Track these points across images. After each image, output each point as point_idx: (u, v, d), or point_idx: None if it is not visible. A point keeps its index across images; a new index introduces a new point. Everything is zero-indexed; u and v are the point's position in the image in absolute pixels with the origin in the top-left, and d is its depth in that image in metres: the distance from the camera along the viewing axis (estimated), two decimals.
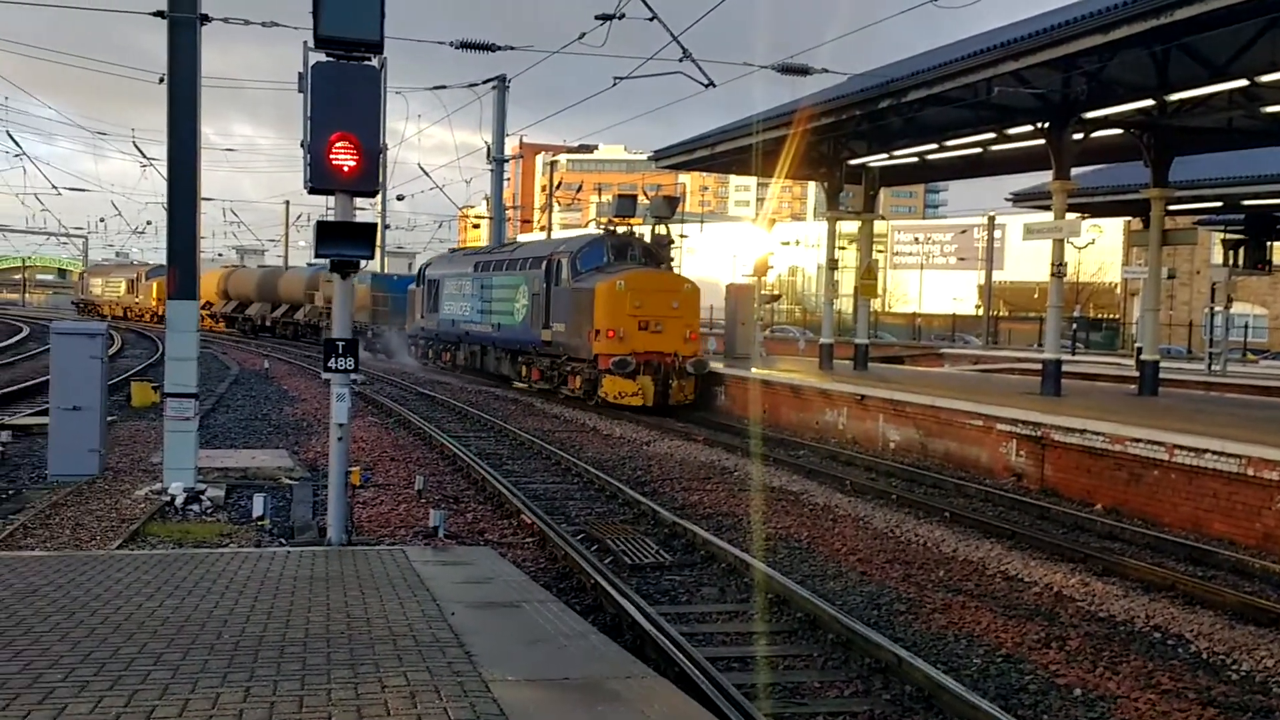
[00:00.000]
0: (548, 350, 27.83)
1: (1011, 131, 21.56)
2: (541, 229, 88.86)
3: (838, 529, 12.83)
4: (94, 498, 12.33)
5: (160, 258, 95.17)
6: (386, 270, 53.07)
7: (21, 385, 24.73)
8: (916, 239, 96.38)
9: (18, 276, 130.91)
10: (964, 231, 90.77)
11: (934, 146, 23.85)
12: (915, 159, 25.57)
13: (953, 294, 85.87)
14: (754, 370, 25.54)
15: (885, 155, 25.32)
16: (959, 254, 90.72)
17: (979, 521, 13.34)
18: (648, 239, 33.58)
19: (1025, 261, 72.50)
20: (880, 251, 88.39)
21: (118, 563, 8.37)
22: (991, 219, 61.85)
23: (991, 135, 22.16)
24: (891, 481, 16.38)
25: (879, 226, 52.84)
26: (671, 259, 33.50)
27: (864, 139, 25.12)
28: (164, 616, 6.63)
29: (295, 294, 57.02)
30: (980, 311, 63.55)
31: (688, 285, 26.78)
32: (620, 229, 29.60)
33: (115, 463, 14.62)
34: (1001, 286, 70.99)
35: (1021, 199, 32.95)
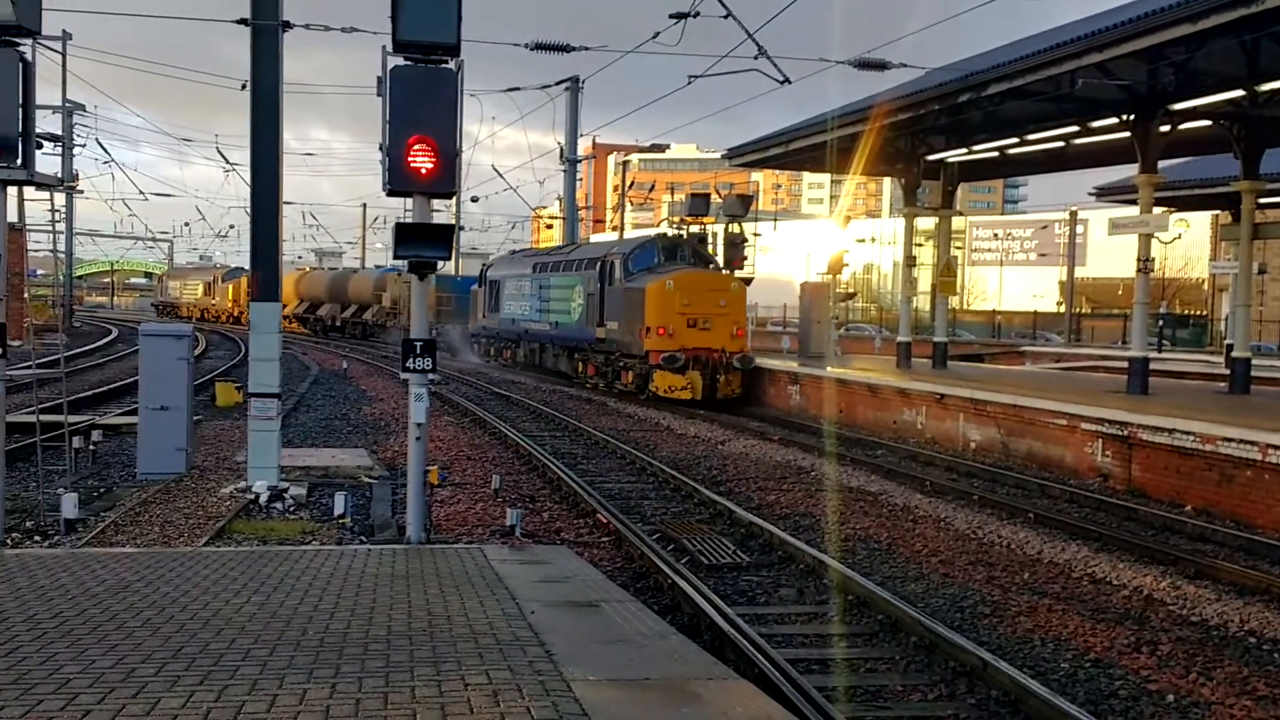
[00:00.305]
0: (602, 347, 29.24)
1: (1095, 124, 21.07)
2: (614, 229, 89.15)
3: (918, 530, 12.63)
4: (181, 496, 12.62)
5: (242, 260, 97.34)
6: (461, 272, 54.25)
7: (111, 386, 25.45)
8: (995, 235, 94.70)
9: (107, 280, 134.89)
10: (1044, 227, 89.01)
11: (1014, 140, 23.41)
12: (995, 153, 25.12)
13: (1033, 290, 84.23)
14: (829, 369, 25.31)
15: (964, 150, 24.92)
16: (1039, 250, 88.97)
17: (1064, 523, 13.05)
18: (720, 238, 33.62)
19: (1108, 257, 70.87)
20: (958, 248, 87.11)
21: (205, 559, 8.54)
22: (1073, 214, 60.52)
23: (1074, 128, 21.69)
24: (973, 482, 16.10)
25: (957, 222, 52.09)
26: (745, 257, 33.43)
27: (942, 134, 24.74)
28: (251, 613, 6.74)
29: (364, 295, 59.44)
30: (1062, 308, 62.25)
31: (734, 284, 27.82)
32: (673, 231, 30.83)
33: (201, 461, 14.95)
34: (1084, 283, 69.45)
35: (1105, 193, 32.21)
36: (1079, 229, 61.94)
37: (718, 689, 5.51)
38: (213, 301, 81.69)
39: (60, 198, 11.64)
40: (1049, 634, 8.78)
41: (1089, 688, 7.63)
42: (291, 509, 12.31)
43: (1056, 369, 31.88)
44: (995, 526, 12.81)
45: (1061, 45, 17.37)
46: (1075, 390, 20.30)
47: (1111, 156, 24.68)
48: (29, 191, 9.70)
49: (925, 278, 37.18)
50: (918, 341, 28.93)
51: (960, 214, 31.90)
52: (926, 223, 35.14)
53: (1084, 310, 65.63)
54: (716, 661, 6.25)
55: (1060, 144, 23.40)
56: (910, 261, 27.53)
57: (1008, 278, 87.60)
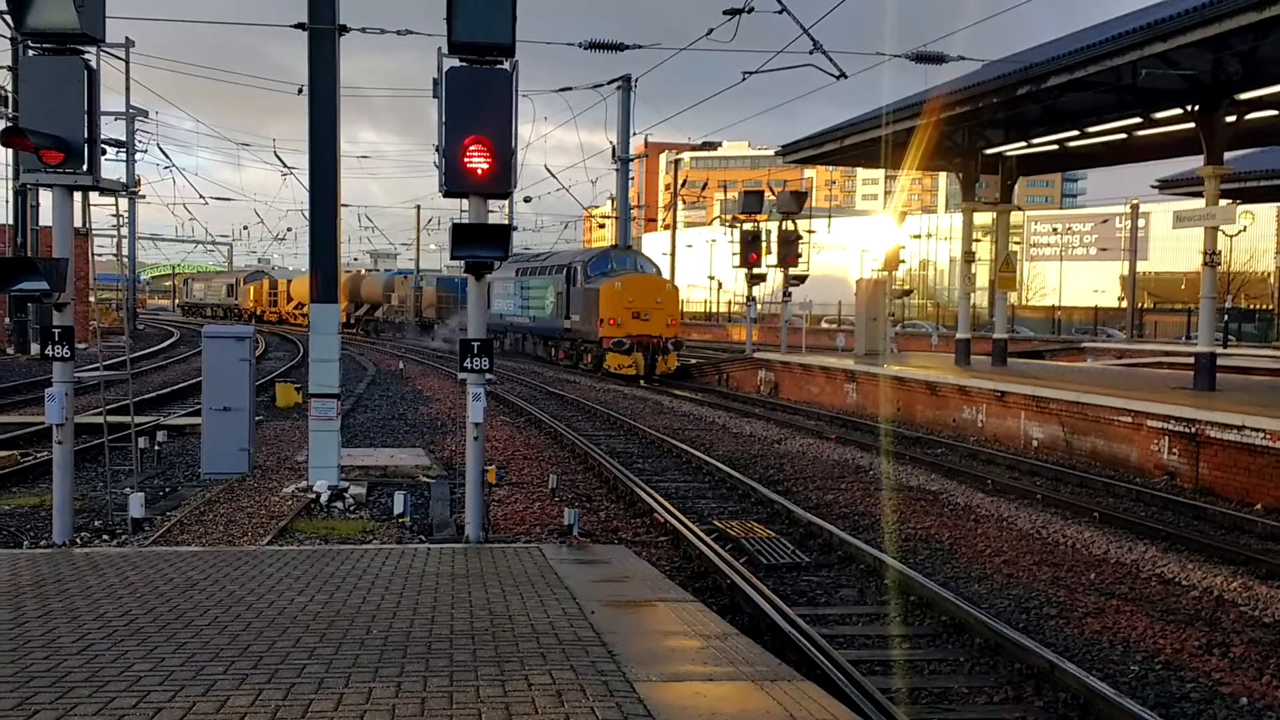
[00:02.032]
0: (568, 335, 37.03)
1: (1158, 116, 20.66)
2: (665, 228, 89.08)
3: (980, 530, 12.46)
4: (244, 495, 12.79)
5: (299, 263, 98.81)
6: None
7: (174, 387, 25.90)
8: (1055, 229, 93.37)
9: (168, 284, 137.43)
10: (1105, 221, 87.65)
11: (1074, 133, 23.00)
12: (1054, 146, 24.71)
13: (1093, 286, 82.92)
14: (886, 367, 25.08)
15: (1023, 143, 24.53)
16: (1100, 244, 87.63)
17: (1130, 522, 12.79)
18: (774, 235, 33.57)
19: (1171, 251, 69.62)
20: (1016, 243, 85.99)
21: (269, 558, 8.64)
22: (1135, 207, 59.44)
23: (1137, 120, 21.27)
24: (1035, 481, 15.84)
25: (1015, 217, 51.34)
26: (799, 255, 33.33)
27: (1001, 127, 24.39)
28: (315, 611, 6.80)
29: (375, 295, 65.72)
30: (1123, 303, 61.20)
31: (669, 286, 36.72)
32: (615, 247, 38.23)
33: (263, 461, 15.15)
34: (1146, 277, 68.18)
35: (1169, 185, 31.58)
36: (1141, 222, 60.80)
37: (782, 690, 5.46)
38: (235, 302, 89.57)
39: (124, 202, 11.90)
40: (1117, 636, 8.61)
41: (1159, 690, 7.47)
42: (352, 508, 12.43)
43: (1119, 365, 31.31)
44: (1060, 526, 12.59)
45: (1123, 35, 17.04)
46: (1139, 387, 19.93)
47: (1175, 148, 24.14)
48: (93, 196, 9.90)
49: (983, 274, 36.76)
50: (976, 338, 28.58)
51: (1019, 209, 31.44)
52: (984, 218, 34.73)
53: (1146, 305, 64.43)
54: (780, 662, 6.19)
55: (1122, 136, 22.97)
56: (968, 257, 27.17)
57: (1067, 273, 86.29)
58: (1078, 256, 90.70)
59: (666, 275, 36.42)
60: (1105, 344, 43.03)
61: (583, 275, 35.77)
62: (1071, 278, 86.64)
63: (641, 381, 32.77)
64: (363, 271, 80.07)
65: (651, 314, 33.80)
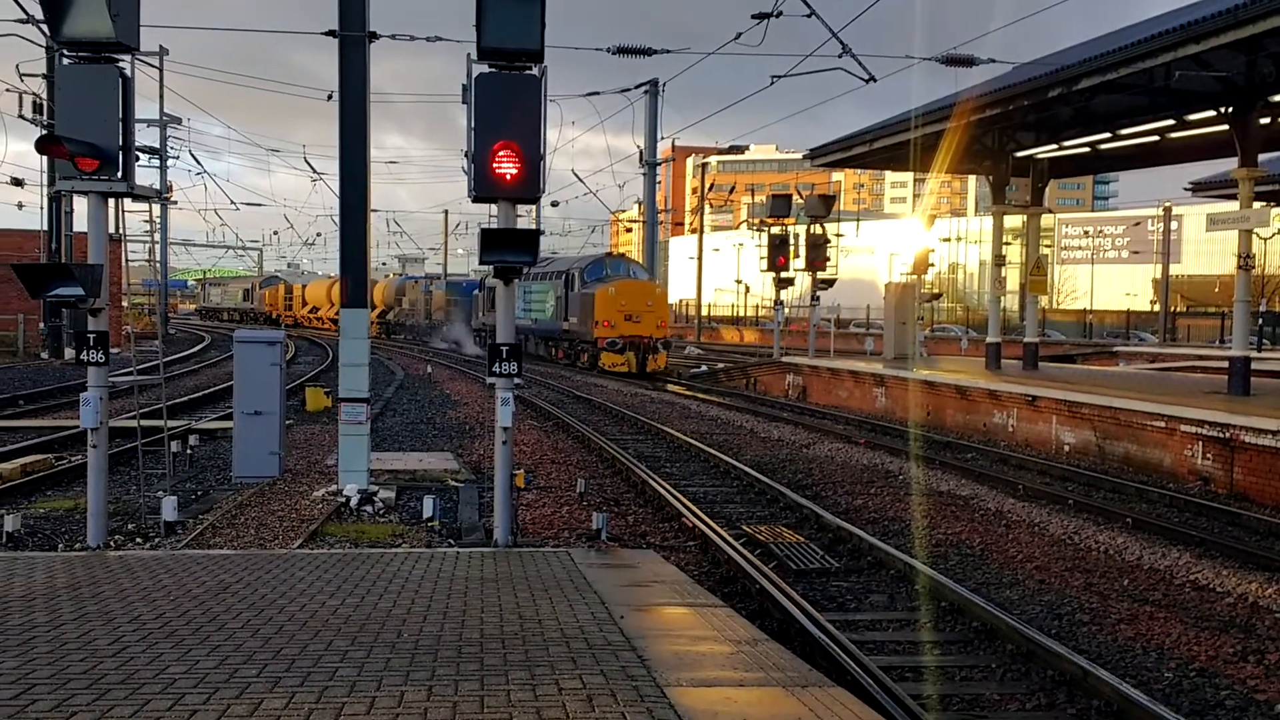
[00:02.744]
0: (567, 336, 40.14)
1: (1191, 118, 20.47)
2: (693, 232, 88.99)
3: (1012, 535, 12.37)
4: (275, 498, 12.88)
5: (329, 267, 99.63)
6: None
7: (205, 391, 26.13)
8: (1086, 232, 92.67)
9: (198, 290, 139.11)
10: (1137, 224, 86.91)
11: (1106, 135, 22.82)
12: (1086, 149, 24.53)
13: (1125, 289, 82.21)
14: (915, 371, 24.96)
15: (1054, 146, 24.36)
16: (1132, 247, 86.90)
17: (1164, 528, 12.66)
18: (802, 239, 33.52)
19: (1204, 254, 68.91)
20: (1047, 246, 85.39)
21: (300, 561, 8.70)
22: (1167, 209, 58.89)
23: (1169, 122, 21.08)
24: (1067, 486, 15.71)
25: (1045, 220, 50.92)
26: (827, 258, 33.23)
27: (1031, 130, 24.24)
28: (346, 614, 6.83)
29: (387, 299, 68.61)
30: (1156, 307, 60.64)
31: (659, 290, 39.94)
32: (610, 255, 41.95)
33: (293, 465, 15.25)
34: (1178, 280, 67.51)
35: (1202, 188, 31.24)
36: (1173, 225, 60.23)
37: (814, 696, 5.44)
38: (251, 306, 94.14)
39: (157, 209, 12.01)
40: (1151, 642, 8.52)
41: (1194, 698, 7.39)
42: (381, 512, 12.49)
43: (1152, 369, 31.02)
44: (1092, 532, 12.48)
45: (1156, 37, 16.89)
46: (1173, 391, 19.73)
47: (1208, 150, 23.90)
48: (126, 202, 10.02)
49: (1013, 277, 36.53)
50: (1006, 342, 28.40)
51: (1050, 211, 31.23)
52: (1014, 220, 34.47)
53: (1179, 309, 63.81)
54: (811, 668, 6.16)
55: (1154, 138, 22.77)
56: (999, 260, 26.97)
57: (1099, 276, 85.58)
58: (1109, 260, 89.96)
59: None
60: (1138, 348, 42.65)
61: (580, 280, 38.67)
62: (1103, 281, 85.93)
63: (652, 385, 33.19)
64: (374, 278, 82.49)
65: (643, 316, 36.62)
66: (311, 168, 47.48)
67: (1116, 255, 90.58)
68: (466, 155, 9.58)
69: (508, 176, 9.44)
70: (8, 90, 27.47)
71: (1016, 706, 7.19)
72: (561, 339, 40.93)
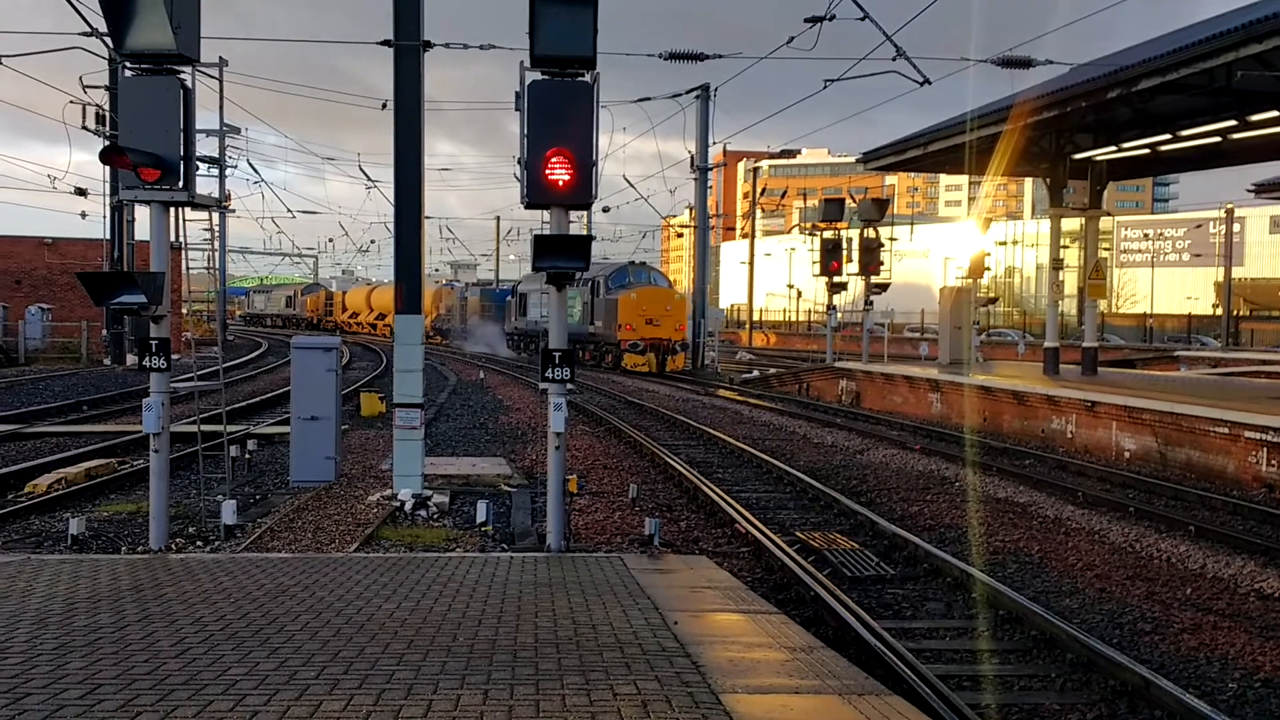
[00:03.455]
0: (593, 339, 43.48)
1: (1254, 118, 20.03)
2: (744, 237, 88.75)
3: (1071, 543, 12.17)
4: (331, 503, 13.03)
5: (382, 274, 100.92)
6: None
7: (263, 397, 26.50)
8: (1145, 235, 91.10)
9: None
10: (1198, 226, 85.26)
11: (1166, 137, 22.42)
12: (1146, 150, 24.09)
13: (1187, 292, 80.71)
14: (971, 376, 24.67)
15: (1113, 148, 23.97)
16: (1193, 249, 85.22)
17: (1228, 536, 12.39)
18: (855, 243, 33.30)
19: (1268, 256, 67.47)
20: (1106, 249, 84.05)
21: (356, 565, 8.79)
22: (1230, 211, 57.74)
23: (1232, 123, 20.65)
24: (1128, 493, 15.43)
25: (1104, 223, 50.14)
26: (881, 262, 32.97)
27: (1090, 131, 23.88)
28: (402, 618, 6.89)
29: (425, 305, 69.25)
30: (1218, 310, 59.45)
31: (678, 296, 43.30)
32: (632, 263, 44.48)
33: (349, 469, 15.42)
34: (1242, 284, 66.17)
35: (1265, 190, 30.66)
36: (1236, 227, 59.05)
37: (870, 704, 5.39)
38: (293, 312, 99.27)
39: (216, 217, 12.23)
40: (1215, 652, 8.34)
41: (1259, 709, 7.23)
42: (435, 516, 12.58)
43: (1214, 374, 30.41)
44: (1153, 540, 12.25)
45: (1217, 37, 16.57)
46: (1236, 396, 19.32)
47: (1272, 151, 23.45)
48: (187, 211, 10.19)
49: (1071, 281, 35.99)
50: (1065, 347, 27.99)
51: (1108, 214, 30.76)
52: (1072, 223, 34.00)
53: (1242, 312, 62.51)
54: (867, 676, 6.11)
55: (1216, 139, 22.32)
56: (1056, 264, 26.60)
57: (1159, 279, 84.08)
58: (1170, 263, 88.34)
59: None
60: (1199, 352, 41.86)
61: (604, 287, 42.04)
62: (1163, 284, 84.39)
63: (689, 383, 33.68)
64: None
65: (662, 320, 39.92)
66: (366, 175, 48.21)
67: (1177, 258, 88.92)
68: (519, 162, 9.63)
69: (560, 183, 9.47)
70: (72, 102, 28.07)
71: (1077, 717, 7.07)
72: (588, 341, 43.61)
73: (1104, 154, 24.67)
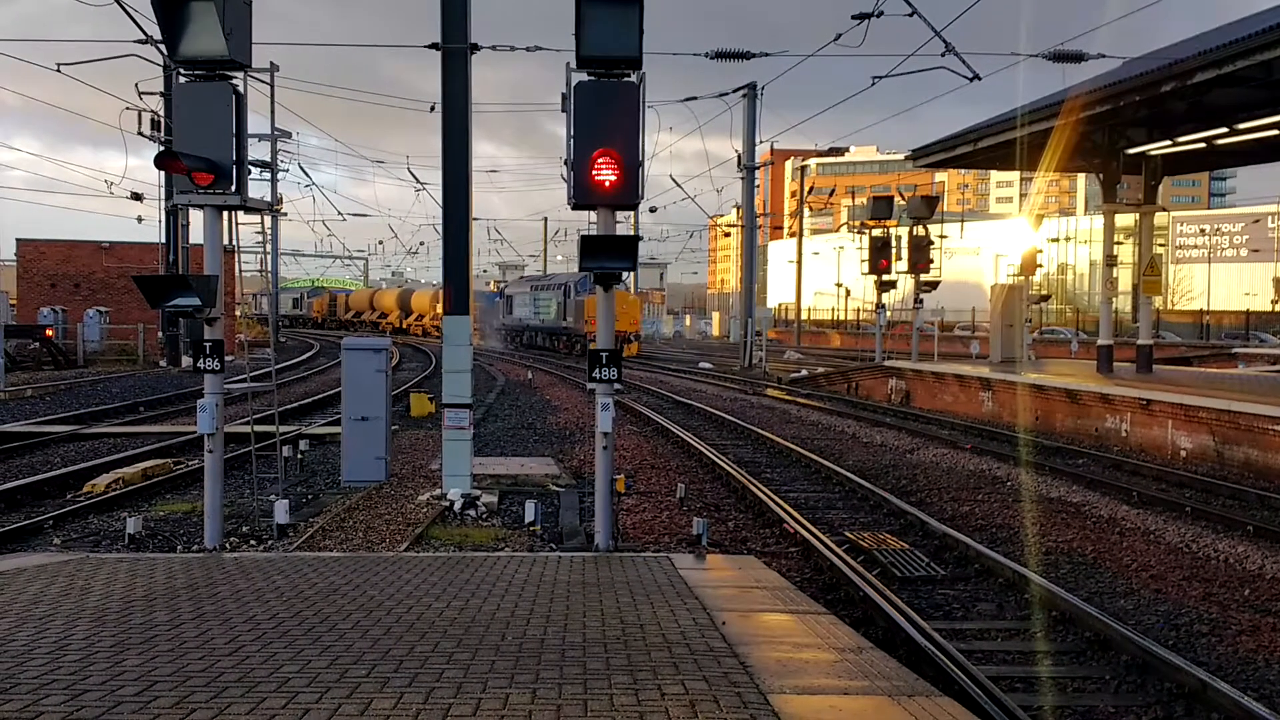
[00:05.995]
0: (565, 332, 53.71)
1: None
2: (792, 235, 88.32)
3: (1125, 543, 11.99)
4: (381, 502, 13.15)
5: (431, 275, 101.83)
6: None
7: (314, 398, 26.82)
8: (1202, 230, 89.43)
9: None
10: (1256, 220, 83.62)
11: (1223, 130, 21.99)
12: (1202, 145, 23.64)
13: (1245, 288, 79.12)
14: (1023, 374, 24.38)
15: (1168, 142, 23.55)
16: (1251, 245, 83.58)
17: None
18: (905, 240, 33.06)
19: None
20: (1161, 245, 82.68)
21: (406, 564, 8.86)
22: None
23: None
24: (1184, 493, 15.17)
25: (1159, 218, 49.29)
26: (930, 260, 32.70)
27: (1144, 126, 23.48)
28: (451, 617, 6.94)
29: (424, 306, 76.71)
30: (1278, 307, 58.27)
31: (631, 297, 54.80)
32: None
33: (399, 469, 15.55)
34: None
35: None
36: None
37: (920, 706, 5.34)
38: (300, 313, 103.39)
39: (268, 220, 12.40)
40: (1274, 655, 8.18)
41: None
42: (484, 516, 12.66)
43: (1273, 372, 29.79)
44: (1211, 540, 12.03)
45: (1274, 28, 16.23)
46: None
47: None
48: (240, 215, 10.34)
49: (1125, 277, 35.46)
50: (1119, 345, 27.56)
51: (1163, 209, 30.25)
52: (1126, 219, 33.46)
53: None
54: (917, 677, 6.05)
55: (1274, 132, 21.86)
56: (1110, 261, 26.18)
57: (1216, 275, 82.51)
58: (1227, 258, 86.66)
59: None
60: (1258, 349, 41.04)
61: (574, 290, 50.91)
62: (1220, 280, 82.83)
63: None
64: (423, 289, 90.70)
65: (620, 316, 45.69)
66: (415, 178, 48.58)
67: (1234, 254, 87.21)
68: (566, 163, 9.66)
69: (607, 183, 9.48)
70: (127, 108, 28.56)
71: (1133, 719, 6.97)
72: (562, 334, 54.84)
73: (1158, 148, 24.25)
